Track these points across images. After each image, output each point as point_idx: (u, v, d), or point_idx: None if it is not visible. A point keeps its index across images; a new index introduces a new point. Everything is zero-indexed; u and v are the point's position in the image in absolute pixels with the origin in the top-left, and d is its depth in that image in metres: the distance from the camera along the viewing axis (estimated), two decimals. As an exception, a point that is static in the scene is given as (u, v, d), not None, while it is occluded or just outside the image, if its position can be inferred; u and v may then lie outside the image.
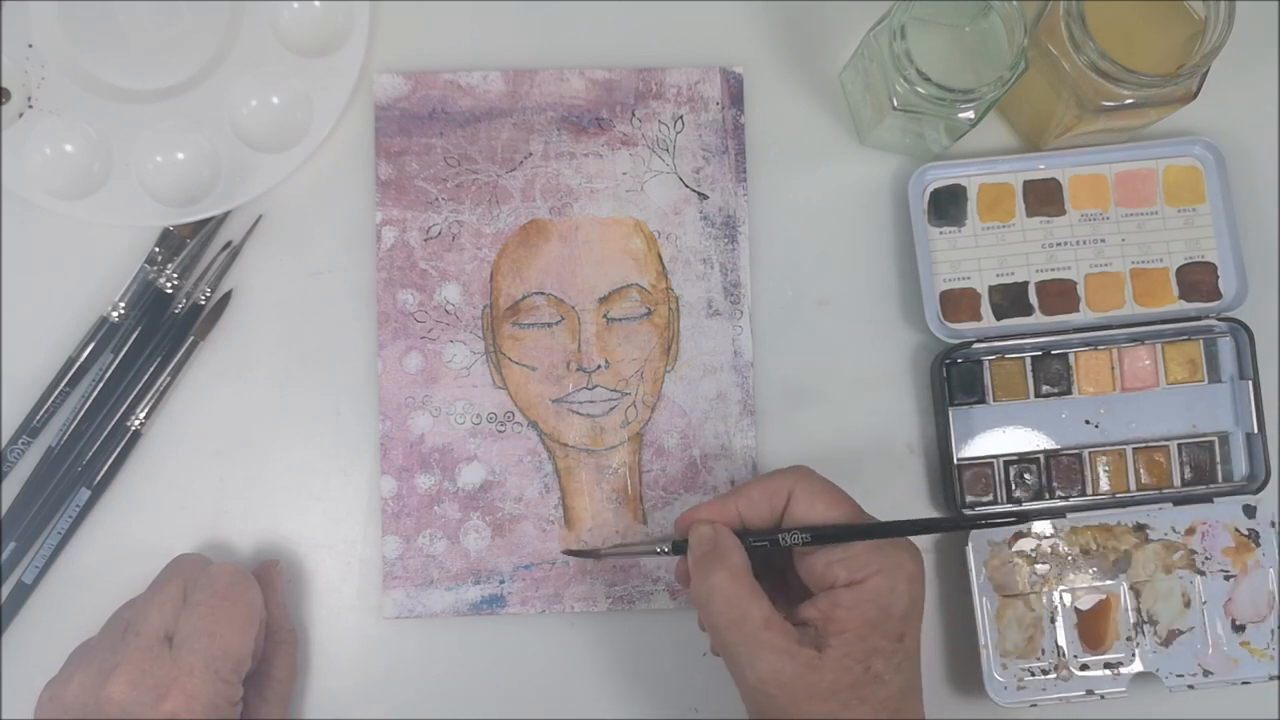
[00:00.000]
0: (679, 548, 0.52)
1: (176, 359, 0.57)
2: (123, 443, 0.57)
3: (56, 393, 0.57)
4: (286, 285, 0.59)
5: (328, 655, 0.58)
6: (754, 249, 0.59)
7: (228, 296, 0.58)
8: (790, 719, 0.46)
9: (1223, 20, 0.51)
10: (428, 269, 0.58)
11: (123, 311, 0.57)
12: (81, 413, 0.57)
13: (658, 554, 0.53)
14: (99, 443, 0.57)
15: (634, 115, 0.59)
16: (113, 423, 0.57)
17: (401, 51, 0.60)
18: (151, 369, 0.57)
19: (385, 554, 0.57)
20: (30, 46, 0.57)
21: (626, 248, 0.59)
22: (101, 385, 0.57)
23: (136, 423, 0.57)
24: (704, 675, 0.58)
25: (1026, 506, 0.58)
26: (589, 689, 0.58)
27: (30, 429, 0.57)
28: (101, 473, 0.56)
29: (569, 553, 0.57)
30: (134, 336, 0.57)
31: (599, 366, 0.58)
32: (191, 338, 0.57)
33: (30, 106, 0.57)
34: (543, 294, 0.58)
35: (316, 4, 0.58)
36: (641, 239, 0.59)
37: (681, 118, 0.59)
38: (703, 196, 0.59)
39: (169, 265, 0.57)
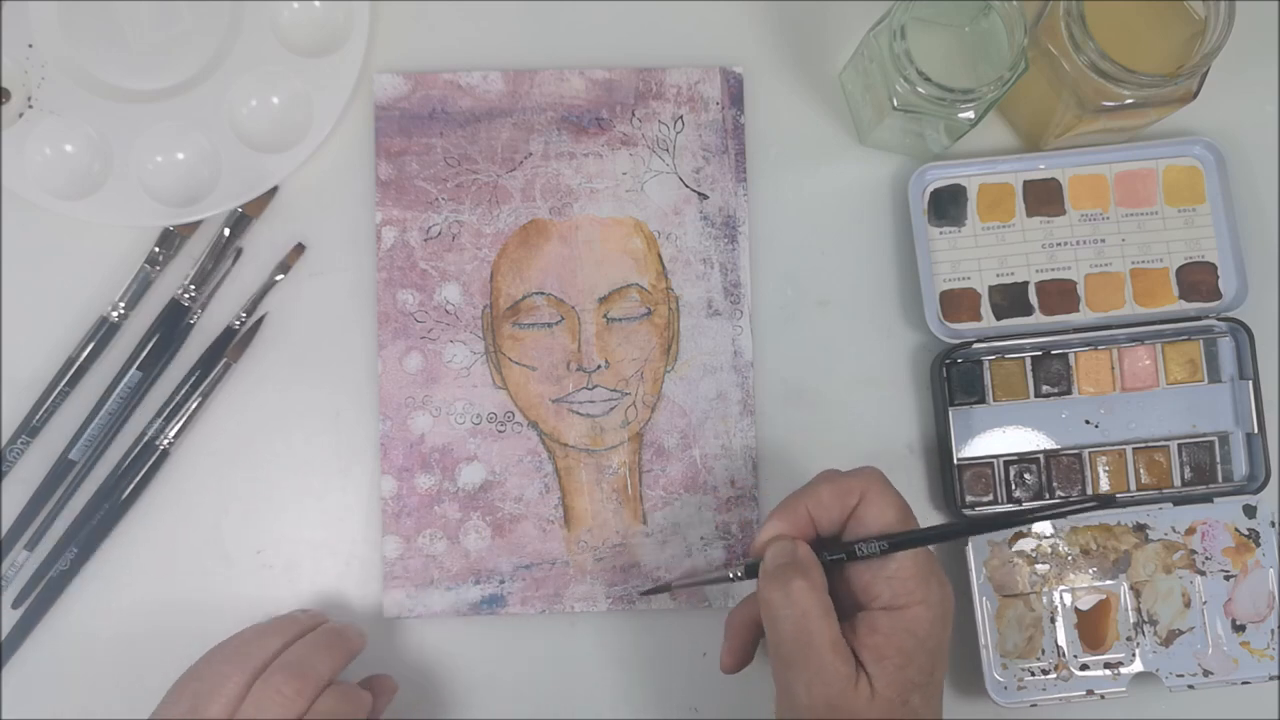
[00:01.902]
0: (751, 571, 0.50)
1: (208, 381, 0.57)
2: (151, 461, 0.57)
3: (56, 392, 0.57)
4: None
5: (328, 655, 0.58)
6: (754, 249, 0.59)
7: (261, 321, 0.58)
8: None
9: (1223, 20, 0.51)
10: (428, 269, 0.58)
11: (122, 311, 0.57)
12: (112, 431, 0.57)
13: (731, 580, 0.51)
14: (127, 462, 0.57)
15: (634, 115, 0.59)
16: (143, 443, 0.57)
17: (401, 51, 0.60)
18: (182, 392, 0.57)
19: (385, 554, 0.57)
20: (30, 46, 0.57)
21: (626, 248, 0.59)
22: (127, 401, 0.57)
23: (165, 442, 0.57)
24: (704, 675, 0.58)
25: (1076, 501, 0.57)
26: (589, 689, 0.58)
27: (30, 429, 0.57)
28: (128, 491, 0.57)
29: (645, 592, 0.56)
30: (150, 346, 0.57)
31: (599, 366, 0.58)
32: (225, 360, 0.57)
33: (30, 106, 0.57)
34: (543, 294, 0.58)
35: (316, 4, 0.58)
36: (641, 239, 0.59)
37: (681, 118, 0.59)
38: (703, 196, 0.59)
39: (189, 280, 0.57)
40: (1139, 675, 0.57)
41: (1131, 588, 0.57)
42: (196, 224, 0.58)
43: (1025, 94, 0.54)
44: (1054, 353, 0.58)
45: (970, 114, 0.52)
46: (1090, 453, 0.58)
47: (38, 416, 0.57)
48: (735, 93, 0.59)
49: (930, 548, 0.47)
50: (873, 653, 0.45)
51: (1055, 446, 0.58)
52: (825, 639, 0.45)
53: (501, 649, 0.58)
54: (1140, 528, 0.58)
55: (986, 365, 0.58)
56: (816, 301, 0.60)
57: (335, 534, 0.58)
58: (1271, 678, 0.57)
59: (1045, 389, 0.58)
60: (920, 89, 0.51)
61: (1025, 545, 0.57)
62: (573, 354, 0.58)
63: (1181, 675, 0.57)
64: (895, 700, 0.45)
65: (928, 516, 0.59)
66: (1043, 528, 0.57)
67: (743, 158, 0.59)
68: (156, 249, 0.58)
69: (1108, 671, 0.57)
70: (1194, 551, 0.57)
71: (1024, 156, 0.59)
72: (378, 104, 0.59)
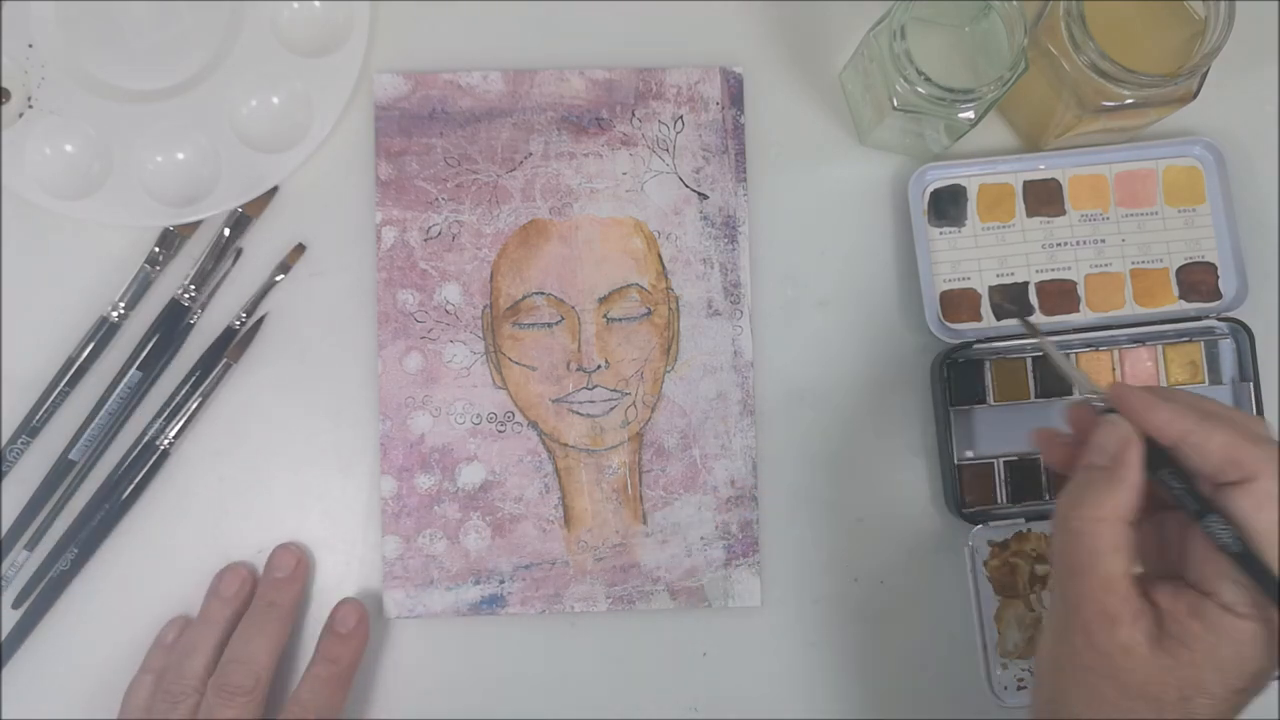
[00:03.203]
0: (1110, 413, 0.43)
1: (208, 381, 0.57)
2: (151, 461, 0.57)
3: (56, 392, 0.57)
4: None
5: (328, 655, 0.58)
6: (754, 249, 0.59)
7: (261, 321, 0.58)
8: (1065, 696, 0.40)
9: (1223, 20, 0.51)
10: (428, 269, 0.58)
11: (122, 311, 0.57)
12: (112, 431, 0.57)
13: (1089, 399, 0.44)
14: (128, 462, 0.57)
15: (634, 115, 0.59)
16: (143, 443, 0.57)
17: (401, 51, 0.60)
18: (182, 392, 0.57)
19: (385, 554, 0.57)
20: (30, 46, 0.57)
21: (626, 248, 0.59)
22: (127, 400, 0.57)
23: (165, 442, 0.57)
24: (704, 675, 0.58)
25: None
26: (589, 689, 0.58)
27: (30, 429, 0.57)
28: (128, 491, 0.57)
29: (1017, 319, 0.50)
30: (150, 346, 0.57)
31: (599, 366, 0.58)
32: (225, 360, 0.57)
33: (30, 106, 0.57)
34: (543, 294, 0.58)
35: (316, 4, 0.58)
36: (641, 239, 0.59)
37: (681, 118, 0.59)
38: (703, 196, 0.59)
39: (189, 280, 0.57)
40: (1139, 675, 0.57)
41: (1131, 588, 0.57)
42: (196, 224, 0.58)
43: (1025, 94, 0.54)
44: (1054, 353, 0.58)
45: (970, 114, 0.52)
46: (1090, 453, 0.58)
47: (38, 416, 0.57)
48: (735, 93, 0.59)
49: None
50: (1181, 638, 0.39)
51: (1055, 447, 0.58)
52: (1101, 577, 0.39)
53: (501, 649, 0.58)
54: (1140, 528, 0.57)
55: (987, 366, 0.58)
56: (816, 301, 0.60)
57: (335, 534, 0.58)
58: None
59: (1046, 390, 0.58)
60: (920, 89, 0.51)
61: (1025, 545, 0.57)
62: (573, 354, 0.58)
63: (1181, 675, 0.57)
64: (1172, 692, 0.38)
65: (928, 517, 0.59)
66: (1043, 527, 0.57)
67: (743, 158, 0.59)
68: (156, 249, 0.58)
69: (1108, 672, 0.57)
70: (1194, 552, 0.57)
71: (1024, 156, 0.59)
72: (378, 104, 0.59)
